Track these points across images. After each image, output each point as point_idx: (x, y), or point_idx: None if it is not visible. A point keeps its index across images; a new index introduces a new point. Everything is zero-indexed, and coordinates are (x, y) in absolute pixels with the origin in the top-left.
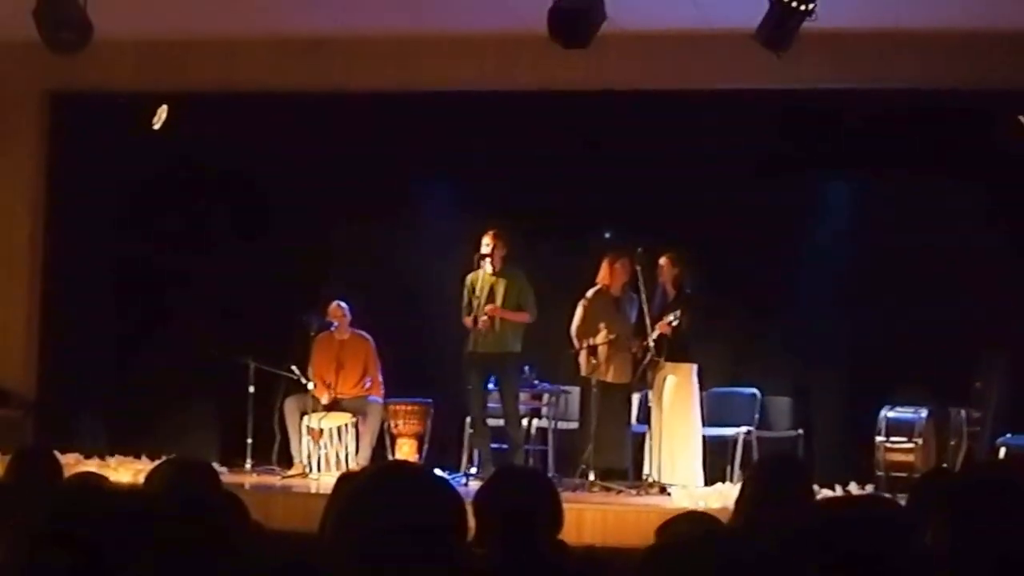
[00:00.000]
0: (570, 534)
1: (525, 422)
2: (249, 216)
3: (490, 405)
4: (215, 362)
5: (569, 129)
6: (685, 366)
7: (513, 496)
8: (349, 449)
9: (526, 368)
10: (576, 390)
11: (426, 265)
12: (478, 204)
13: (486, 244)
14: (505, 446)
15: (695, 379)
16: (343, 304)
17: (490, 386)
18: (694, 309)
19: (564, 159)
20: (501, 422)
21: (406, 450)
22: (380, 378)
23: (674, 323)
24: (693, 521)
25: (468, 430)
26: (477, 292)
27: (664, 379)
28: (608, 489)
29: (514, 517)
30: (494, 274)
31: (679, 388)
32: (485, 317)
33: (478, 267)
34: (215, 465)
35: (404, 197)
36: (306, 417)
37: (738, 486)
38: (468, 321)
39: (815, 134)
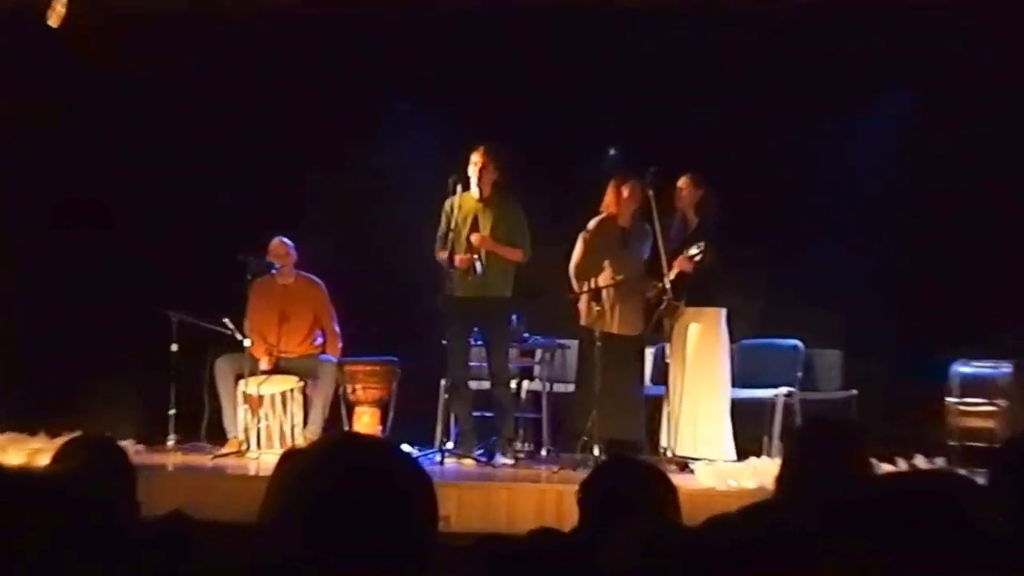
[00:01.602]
0: (571, 521)
1: (514, 384)
2: (180, 141)
3: (472, 364)
4: (130, 316)
5: (567, 42)
6: (710, 311)
7: (625, 489)
8: (296, 420)
9: (513, 318)
10: (575, 344)
11: (395, 198)
12: (458, 127)
13: (474, 163)
14: (489, 414)
15: (723, 327)
16: (287, 241)
17: (473, 340)
18: (721, 240)
19: (560, 74)
20: (485, 384)
21: (366, 421)
22: (337, 330)
23: (697, 257)
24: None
25: (444, 395)
26: (458, 220)
27: (685, 328)
28: None
29: (624, 511)
30: (481, 200)
31: (703, 339)
32: (465, 255)
33: (458, 190)
34: (131, 443)
35: (373, 121)
36: (242, 381)
37: (777, 461)
38: (443, 255)
39: (863, 41)
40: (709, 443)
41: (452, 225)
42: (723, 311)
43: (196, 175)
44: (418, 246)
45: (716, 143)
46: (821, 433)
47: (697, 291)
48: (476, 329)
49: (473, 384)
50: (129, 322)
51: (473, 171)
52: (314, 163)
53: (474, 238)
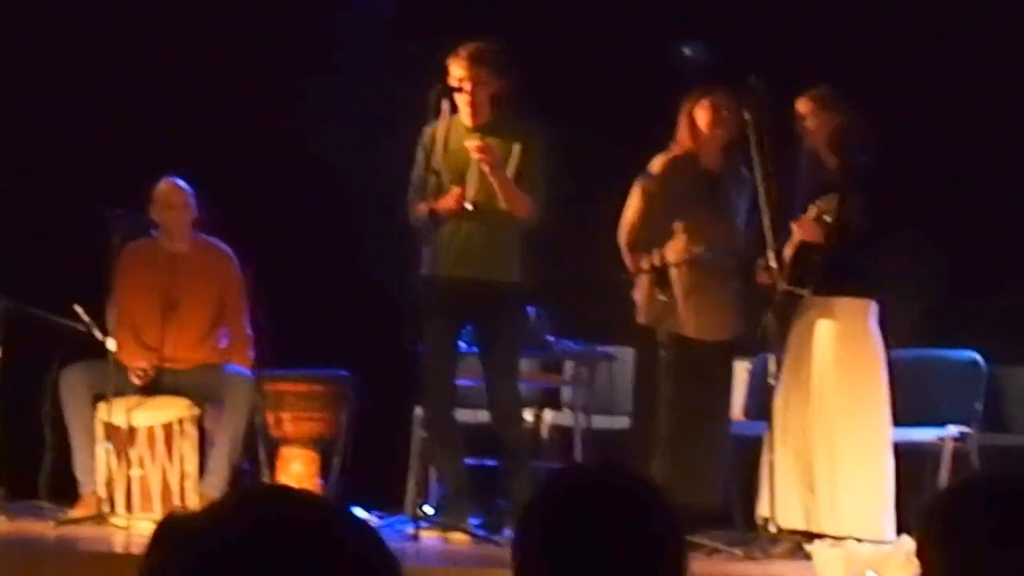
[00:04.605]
0: None
1: (530, 416)
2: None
3: (462, 383)
4: None
5: None
6: (853, 304)
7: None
8: (187, 467)
9: (530, 312)
10: (628, 354)
11: (346, 129)
12: (442, 23)
13: (457, 76)
14: (492, 463)
15: (874, 329)
16: (183, 185)
17: (462, 345)
18: (868, 195)
19: None
20: (482, 416)
21: (298, 470)
22: (249, 330)
23: (828, 218)
24: None
25: (419, 433)
26: (444, 158)
27: (810, 330)
28: (692, 547)
29: None
30: (475, 128)
31: (842, 348)
32: (465, 204)
33: (443, 110)
34: None
35: (313, 15)
36: (104, 406)
37: None
38: (422, 210)
39: None
40: (852, 511)
41: (433, 164)
42: (873, 304)
43: (30, 91)
44: (379, 201)
45: (864, 36)
46: (1002, 505)
47: (832, 272)
48: (468, 328)
49: (463, 414)
50: None
51: (459, 85)
52: (233, 83)
53: (470, 145)
